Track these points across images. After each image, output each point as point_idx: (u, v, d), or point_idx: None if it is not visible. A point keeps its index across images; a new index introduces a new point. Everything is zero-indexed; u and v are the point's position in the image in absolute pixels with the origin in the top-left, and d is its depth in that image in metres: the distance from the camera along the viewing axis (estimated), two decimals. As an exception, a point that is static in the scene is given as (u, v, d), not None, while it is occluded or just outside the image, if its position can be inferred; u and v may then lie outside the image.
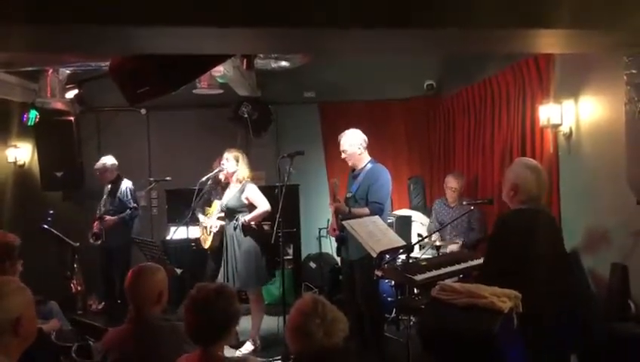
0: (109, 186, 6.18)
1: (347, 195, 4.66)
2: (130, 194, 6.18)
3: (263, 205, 4.82)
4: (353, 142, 4.59)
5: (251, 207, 4.84)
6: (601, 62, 3.82)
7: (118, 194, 6.10)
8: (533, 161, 3.25)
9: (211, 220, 5.16)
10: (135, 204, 6.21)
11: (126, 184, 6.19)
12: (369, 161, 4.63)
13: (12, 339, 1.93)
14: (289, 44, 2.88)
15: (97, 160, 6.32)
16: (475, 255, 4.31)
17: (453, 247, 5.17)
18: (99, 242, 5.96)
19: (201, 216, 5.40)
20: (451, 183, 5.54)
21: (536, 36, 2.86)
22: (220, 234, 5.16)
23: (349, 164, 4.67)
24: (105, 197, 6.18)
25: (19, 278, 3.63)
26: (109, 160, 6.18)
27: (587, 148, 4.03)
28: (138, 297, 2.65)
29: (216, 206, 5.25)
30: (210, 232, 5.22)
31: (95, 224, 6.02)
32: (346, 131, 4.68)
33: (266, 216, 4.92)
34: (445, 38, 2.75)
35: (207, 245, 5.29)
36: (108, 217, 6.02)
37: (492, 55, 5.41)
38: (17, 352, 1.99)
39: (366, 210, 4.43)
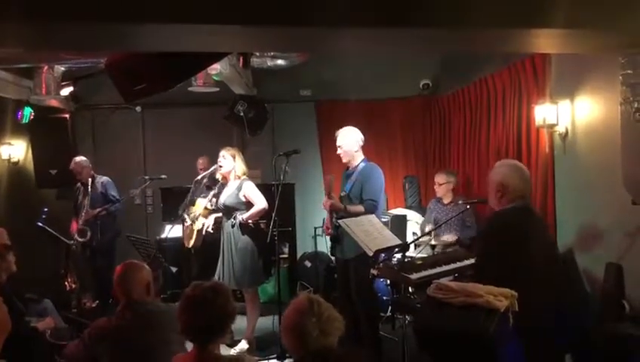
0: (85, 185, 6.04)
1: (341, 194, 4.66)
2: (111, 186, 6.14)
3: (260, 203, 4.81)
4: (352, 138, 4.61)
5: (249, 204, 4.84)
6: (597, 63, 3.84)
7: (100, 189, 6.04)
8: (514, 160, 3.27)
9: (209, 220, 5.15)
10: (118, 196, 6.18)
11: (103, 179, 6.13)
12: (362, 160, 4.65)
13: None
14: (285, 42, 2.88)
15: (92, 158, 6.28)
16: (470, 254, 4.31)
17: (447, 237, 5.21)
18: (86, 239, 5.90)
19: (188, 217, 5.38)
20: (438, 179, 5.60)
21: (532, 36, 2.86)
22: (204, 233, 5.16)
23: (344, 160, 4.67)
24: (81, 197, 6.06)
25: (13, 274, 3.65)
26: (81, 158, 6.11)
27: (583, 148, 4.05)
28: (129, 288, 2.73)
29: (200, 205, 5.23)
30: (194, 231, 5.21)
31: (79, 222, 5.96)
32: (345, 127, 4.68)
33: (263, 215, 4.91)
34: (441, 37, 2.76)
35: (190, 244, 5.29)
36: (97, 210, 5.97)
37: (488, 55, 5.42)
38: None
39: (361, 208, 4.43)
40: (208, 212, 5.19)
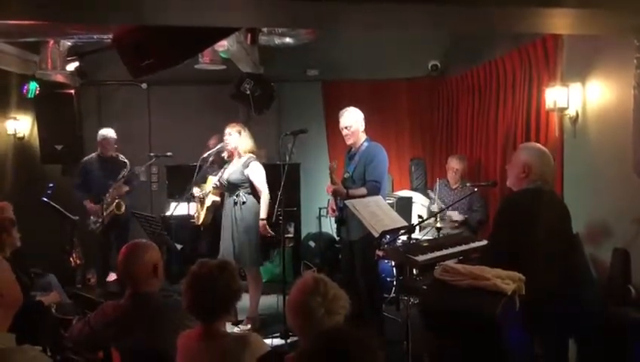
0: (105, 161, 6.03)
1: (345, 176, 4.65)
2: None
3: (265, 193, 4.80)
4: (357, 118, 4.59)
5: (252, 183, 4.83)
6: (610, 45, 3.77)
7: (128, 164, 6.02)
8: (542, 146, 3.30)
9: (208, 198, 5.15)
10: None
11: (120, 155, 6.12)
12: (365, 140, 4.63)
13: None
14: (294, 17, 2.83)
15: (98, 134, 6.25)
16: (476, 237, 4.30)
17: (453, 215, 5.21)
18: (122, 212, 5.90)
19: (195, 190, 5.37)
20: (453, 164, 5.55)
21: (545, 16, 2.81)
22: (213, 210, 5.16)
23: (349, 142, 4.65)
24: (97, 171, 5.97)
25: (18, 248, 3.67)
26: (109, 131, 6.07)
27: (593, 132, 4.00)
28: (132, 274, 2.62)
29: (210, 182, 5.22)
30: (204, 208, 5.20)
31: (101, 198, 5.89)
32: (348, 108, 4.65)
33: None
34: (452, 15, 2.71)
35: (200, 221, 5.28)
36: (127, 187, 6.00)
37: (498, 36, 5.35)
38: (5, 320, 1.98)
39: (363, 190, 4.42)
40: (219, 191, 5.16)
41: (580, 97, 4.08)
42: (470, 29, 4.50)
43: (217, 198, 5.14)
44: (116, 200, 5.87)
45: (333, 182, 4.52)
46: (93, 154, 6.12)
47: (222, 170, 5.15)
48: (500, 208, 3.18)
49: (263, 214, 4.78)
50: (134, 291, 2.62)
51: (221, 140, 5.17)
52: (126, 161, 5.96)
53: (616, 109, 3.69)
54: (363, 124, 4.63)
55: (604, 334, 3.31)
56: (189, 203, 5.52)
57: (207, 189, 5.19)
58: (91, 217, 5.99)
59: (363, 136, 4.64)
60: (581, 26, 3.19)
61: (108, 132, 6.04)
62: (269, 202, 4.93)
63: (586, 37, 3.95)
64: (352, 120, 4.58)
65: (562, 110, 4.18)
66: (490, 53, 5.59)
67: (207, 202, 5.17)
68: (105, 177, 5.97)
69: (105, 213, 5.81)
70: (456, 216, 5.27)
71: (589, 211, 3.95)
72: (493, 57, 5.54)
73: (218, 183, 5.07)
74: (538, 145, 3.27)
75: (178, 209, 5.70)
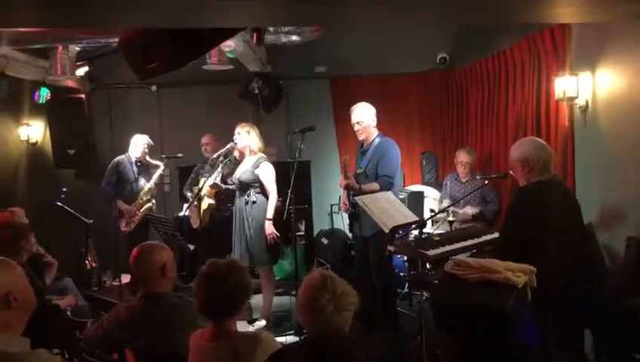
0: (138, 164, 6.00)
1: (357, 171, 4.64)
2: None
3: (273, 193, 4.81)
4: (369, 113, 4.58)
5: (262, 183, 4.84)
6: (619, 33, 3.72)
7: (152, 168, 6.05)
8: (530, 137, 3.31)
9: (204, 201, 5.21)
10: None
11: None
12: (377, 135, 4.61)
13: (8, 313, 1.97)
14: (302, 14, 2.83)
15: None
16: (488, 230, 4.28)
17: (468, 210, 5.18)
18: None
19: (188, 194, 5.41)
20: (462, 158, 5.52)
21: (553, 5, 2.78)
22: (209, 213, 5.19)
23: (361, 137, 4.64)
24: (132, 175, 5.93)
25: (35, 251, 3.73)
26: (145, 136, 6.08)
27: (603, 121, 3.95)
28: (142, 275, 2.67)
29: (203, 184, 5.24)
30: (201, 211, 5.25)
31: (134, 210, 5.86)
32: (359, 103, 4.64)
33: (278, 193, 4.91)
34: (461, 6, 2.69)
35: (197, 224, 5.31)
36: None
37: (506, 27, 5.30)
38: (20, 323, 2.02)
39: (376, 185, 4.41)
40: (214, 192, 5.20)
41: (589, 86, 4.04)
42: (479, 21, 4.46)
43: (212, 201, 5.19)
44: (153, 201, 5.91)
45: (346, 176, 4.51)
46: (124, 157, 5.99)
47: (216, 172, 5.19)
48: (513, 201, 3.17)
49: (269, 214, 4.79)
50: (146, 292, 2.65)
51: (214, 138, 5.18)
52: (159, 163, 5.95)
53: (627, 97, 3.65)
54: (375, 119, 4.61)
55: (620, 324, 3.28)
56: (190, 205, 5.56)
57: (202, 192, 5.21)
58: (124, 219, 5.90)
59: (375, 132, 4.63)
60: (588, 15, 3.14)
61: (146, 138, 6.04)
62: (280, 200, 4.94)
63: (594, 25, 3.90)
64: (364, 115, 4.57)
65: (572, 99, 4.14)
66: (499, 44, 5.55)
67: (204, 205, 5.21)
68: (137, 180, 5.98)
69: (140, 213, 5.83)
70: (470, 210, 5.24)
71: (601, 200, 3.92)
72: (501, 48, 5.50)
73: (213, 183, 5.12)
74: (529, 137, 3.30)
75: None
